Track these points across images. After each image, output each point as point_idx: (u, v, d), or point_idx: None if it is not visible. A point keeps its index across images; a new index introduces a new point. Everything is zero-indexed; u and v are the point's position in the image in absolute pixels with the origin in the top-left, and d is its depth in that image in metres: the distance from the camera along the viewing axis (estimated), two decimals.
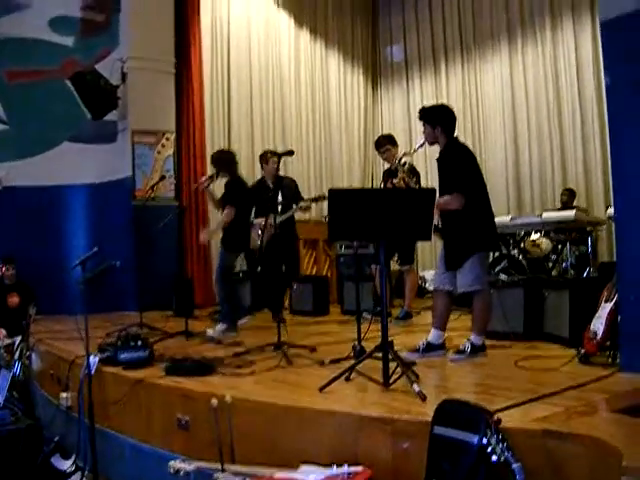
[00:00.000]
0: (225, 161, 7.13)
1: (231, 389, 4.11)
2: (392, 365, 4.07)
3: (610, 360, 4.50)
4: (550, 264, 8.97)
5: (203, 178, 7.59)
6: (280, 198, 8.03)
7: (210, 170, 7.78)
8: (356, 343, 5.08)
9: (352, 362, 4.38)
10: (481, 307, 5.15)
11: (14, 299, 8.96)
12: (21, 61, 10.34)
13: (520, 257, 8.83)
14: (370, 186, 9.03)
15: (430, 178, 10.65)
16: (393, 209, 4.19)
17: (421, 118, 5.30)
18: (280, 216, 7.71)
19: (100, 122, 10.12)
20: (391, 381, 4.01)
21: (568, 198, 9.98)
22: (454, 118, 5.29)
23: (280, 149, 10.49)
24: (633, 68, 4.25)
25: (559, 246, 8.95)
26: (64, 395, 5.64)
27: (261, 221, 7.64)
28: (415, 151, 5.95)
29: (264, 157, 8.11)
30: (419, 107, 5.54)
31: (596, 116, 10.32)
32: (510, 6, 11.75)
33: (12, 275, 9.08)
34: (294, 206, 7.92)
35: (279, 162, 7.23)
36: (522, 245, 9.03)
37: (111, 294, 9.06)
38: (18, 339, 7.87)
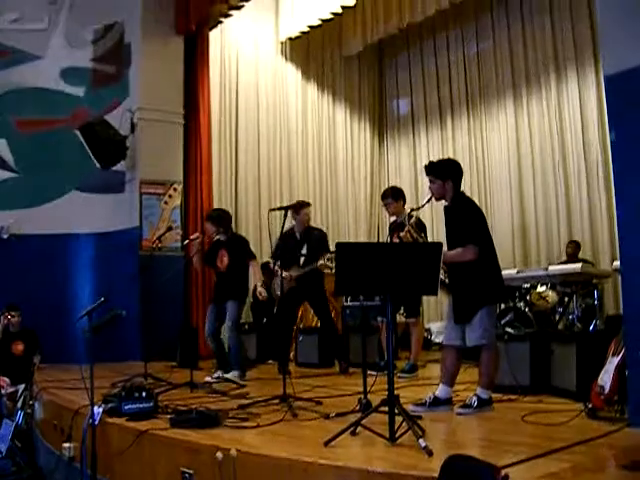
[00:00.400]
0: (226, 220, 7.71)
1: (236, 442, 4.06)
2: (398, 419, 4.04)
3: (618, 415, 4.45)
4: (557, 317, 8.93)
5: (195, 235, 7.90)
6: (305, 250, 8.07)
7: None
8: (362, 397, 5.04)
9: (358, 416, 4.33)
10: (488, 361, 5.11)
11: (19, 346, 8.92)
12: (32, 110, 10.52)
13: (526, 310, 8.78)
14: (376, 239, 9.08)
15: (436, 231, 10.67)
16: (399, 264, 4.17)
17: (429, 173, 5.31)
18: (300, 269, 7.87)
19: (108, 172, 10.24)
20: (397, 436, 3.97)
21: (573, 250, 10.00)
22: (462, 172, 5.36)
23: (286, 201, 10.61)
24: (638, 123, 4.29)
25: (565, 299, 8.92)
26: (67, 445, 5.57)
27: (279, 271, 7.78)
28: (422, 207, 5.99)
29: (296, 207, 8.07)
30: (425, 160, 5.60)
31: (601, 169, 10.40)
32: (515, 60, 11.93)
33: (17, 322, 9.05)
34: (321, 261, 7.88)
35: (285, 215, 7.31)
36: (528, 298, 9.00)
37: (117, 344, 9.00)
38: (22, 387, 7.86)
